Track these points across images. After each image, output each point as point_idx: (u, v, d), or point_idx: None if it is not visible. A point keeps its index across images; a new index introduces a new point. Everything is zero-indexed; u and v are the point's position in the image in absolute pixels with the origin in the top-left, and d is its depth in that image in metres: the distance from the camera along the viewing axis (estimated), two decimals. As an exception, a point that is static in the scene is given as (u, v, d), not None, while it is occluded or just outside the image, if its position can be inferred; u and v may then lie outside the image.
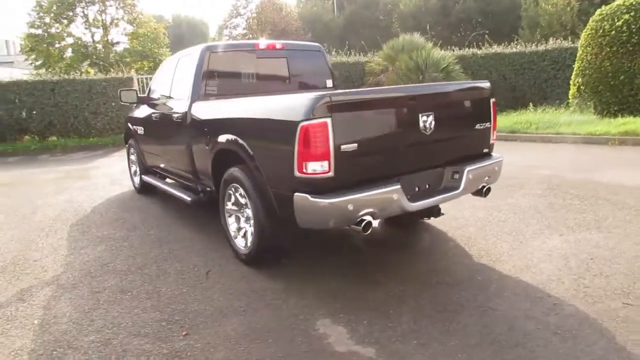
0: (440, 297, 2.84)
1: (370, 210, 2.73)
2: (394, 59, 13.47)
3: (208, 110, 3.87)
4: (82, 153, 11.21)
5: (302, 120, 2.60)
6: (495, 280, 3.04)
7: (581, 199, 4.70)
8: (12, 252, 4.05)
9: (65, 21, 20.73)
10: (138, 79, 14.50)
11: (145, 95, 5.45)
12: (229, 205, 3.58)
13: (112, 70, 16.03)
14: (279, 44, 4.61)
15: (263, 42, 4.62)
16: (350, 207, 2.66)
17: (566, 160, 6.87)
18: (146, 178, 5.65)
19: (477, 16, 26.75)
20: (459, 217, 4.37)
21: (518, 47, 14.84)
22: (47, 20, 20.63)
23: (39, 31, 20.16)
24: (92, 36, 22.37)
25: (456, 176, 3.22)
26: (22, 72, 20.42)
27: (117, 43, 22.59)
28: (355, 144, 2.71)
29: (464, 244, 3.72)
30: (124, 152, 7.20)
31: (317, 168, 2.64)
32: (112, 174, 7.82)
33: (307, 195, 2.68)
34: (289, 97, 2.86)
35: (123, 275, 3.43)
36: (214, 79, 4.21)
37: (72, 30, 21.56)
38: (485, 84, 3.50)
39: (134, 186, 6.31)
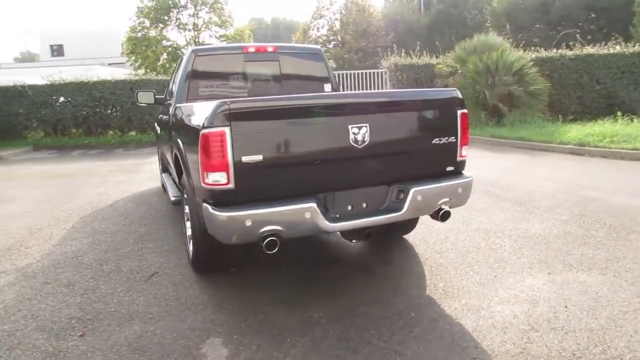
0: (352, 331, 2.53)
1: (274, 228, 2.52)
2: (464, 60, 12.60)
3: (175, 113, 3.90)
4: (151, 148, 12.12)
5: (203, 128, 2.48)
6: (428, 319, 2.63)
7: (609, 231, 3.93)
8: (15, 238, 4.45)
9: (161, 25, 22.65)
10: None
11: (163, 96, 5.69)
12: (186, 209, 3.57)
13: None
14: (270, 47, 4.51)
15: (253, 45, 4.55)
16: (249, 222, 2.48)
17: (625, 182, 5.82)
18: (163, 176, 5.91)
19: (582, 13, 24.00)
20: (449, 239, 3.91)
21: (617, 47, 13.02)
22: (147, 24, 22.73)
23: (139, 35, 22.25)
24: (186, 39, 24.19)
25: (401, 196, 2.86)
26: (129, 72, 22.77)
27: (202, 43, 24.12)
28: (261, 156, 2.51)
29: (429, 271, 3.30)
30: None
31: (218, 179, 2.50)
32: (155, 170, 8.33)
33: (208, 207, 2.56)
34: (205, 104, 2.74)
35: (81, 269, 3.59)
36: (197, 82, 4.24)
37: (167, 34, 23.47)
38: (451, 93, 3.06)
39: (161, 183, 6.65)
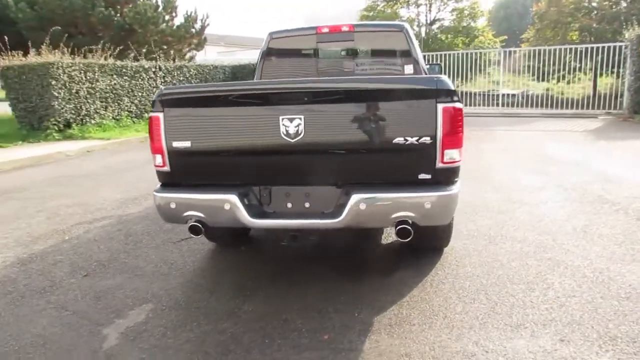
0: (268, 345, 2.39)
1: (196, 213, 2.56)
2: None
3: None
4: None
5: (150, 112, 2.69)
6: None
7: None
8: (42, 228, 4.31)
9: (392, 2, 23.18)
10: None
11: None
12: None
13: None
14: (346, 26, 4.25)
15: (328, 26, 4.35)
16: (173, 205, 2.60)
17: None
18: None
19: None
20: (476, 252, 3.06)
21: None
22: (380, 6, 23.62)
23: (371, 14, 23.34)
24: (417, 16, 24.10)
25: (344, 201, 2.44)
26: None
27: (435, 21, 23.47)
28: (189, 142, 2.56)
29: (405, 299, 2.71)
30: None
31: (158, 161, 2.68)
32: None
33: (157, 187, 2.78)
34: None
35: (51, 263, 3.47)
36: (271, 62, 4.41)
37: (399, 11, 23.84)
38: (428, 82, 2.33)
39: None
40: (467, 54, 15.45)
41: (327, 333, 2.38)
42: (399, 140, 2.36)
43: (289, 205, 2.60)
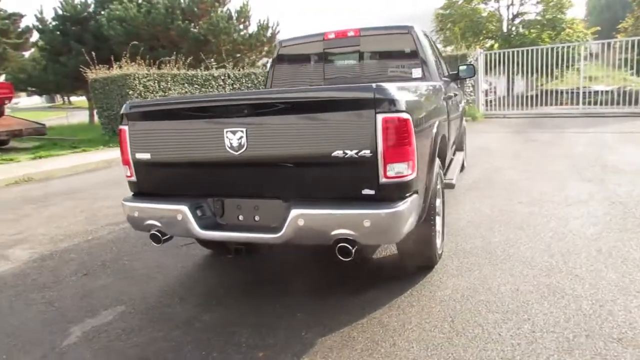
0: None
1: (155, 223, 2.64)
2: None
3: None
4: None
5: (120, 125, 2.82)
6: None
7: None
8: (77, 227, 4.71)
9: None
10: (486, 55, 14.14)
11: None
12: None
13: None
14: (352, 31, 4.11)
15: (335, 31, 4.22)
16: (136, 214, 2.71)
17: None
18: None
19: None
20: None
21: None
22: (459, 2, 22.60)
23: (447, 12, 22.44)
24: (497, 10, 22.68)
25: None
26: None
27: (518, 15, 21.90)
28: (149, 154, 2.65)
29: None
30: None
31: (127, 172, 2.82)
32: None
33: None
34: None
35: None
36: (281, 70, 4.43)
37: (479, 7, 22.62)
38: (364, 93, 2.15)
39: None
40: (552, 48, 14.14)
41: (264, 350, 2.32)
42: (338, 153, 2.22)
43: (241, 217, 2.58)
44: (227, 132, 2.40)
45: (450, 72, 5.25)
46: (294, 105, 2.31)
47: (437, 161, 2.96)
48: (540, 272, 2.96)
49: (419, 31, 3.97)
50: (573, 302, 2.55)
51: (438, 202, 3.06)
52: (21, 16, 19.93)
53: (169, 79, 12.62)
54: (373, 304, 2.71)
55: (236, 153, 2.41)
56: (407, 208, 2.25)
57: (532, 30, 20.93)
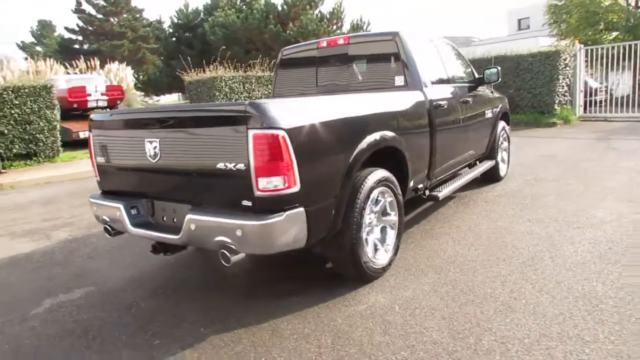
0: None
1: (105, 218, 3.06)
2: None
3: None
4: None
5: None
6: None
7: None
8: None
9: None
10: (588, 51, 12.54)
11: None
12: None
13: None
14: (342, 39, 4.14)
15: (327, 39, 4.26)
16: (94, 209, 3.16)
17: None
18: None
19: None
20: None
21: None
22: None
23: (562, 2, 20.18)
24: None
25: (185, 220, 2.59)
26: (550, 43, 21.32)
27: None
28: (103, 159, 3.08)
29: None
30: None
31: (94, 173, 3.29)
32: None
33: (99, 194, 3.38)
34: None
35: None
36: (282, 79, 4.64)
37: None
38: (237, 108, 2.25)
39: None
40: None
41: (163, 339, 2.58)
42: (221, 165, 2.39)
43: (165, 218, 2.87)
44: (147, 141, 2.71)
45: (477, 77, 4.98)
46: (182, 121, 2.55)
47: (376, 174, 2.91)
48: (495, 314, 2.74)
49: (405, 37, 3.85)
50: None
51: (371, 216, 3.00)
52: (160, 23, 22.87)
53: (253, 80, 13.51)
54: (285, 310, 2.80)
55: (153, 161, 2.71)
56: (282, 221, 2.32)
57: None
